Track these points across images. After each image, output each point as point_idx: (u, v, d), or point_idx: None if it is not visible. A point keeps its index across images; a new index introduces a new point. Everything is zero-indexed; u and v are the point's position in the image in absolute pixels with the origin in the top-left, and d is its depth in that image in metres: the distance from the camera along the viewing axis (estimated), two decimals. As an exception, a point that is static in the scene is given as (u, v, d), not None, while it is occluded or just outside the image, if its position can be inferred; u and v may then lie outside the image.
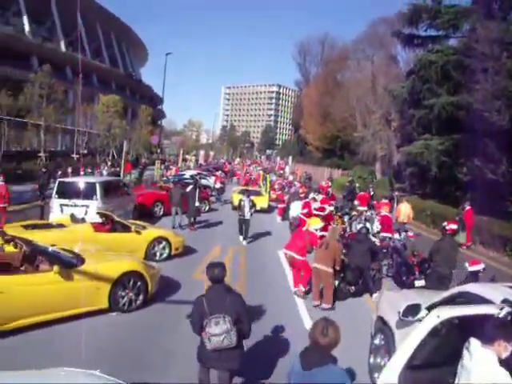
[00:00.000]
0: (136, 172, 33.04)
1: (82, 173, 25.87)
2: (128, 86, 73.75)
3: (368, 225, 12.09)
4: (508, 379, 3.48)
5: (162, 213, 18.42)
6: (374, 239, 11.65)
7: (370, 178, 39.33)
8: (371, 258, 9.98)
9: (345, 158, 55.77)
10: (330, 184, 29.61)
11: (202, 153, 67.70)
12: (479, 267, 7.93)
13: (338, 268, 9.14)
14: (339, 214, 16.88)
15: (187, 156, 59.84)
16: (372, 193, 24.99)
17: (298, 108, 77.82)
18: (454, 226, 10.11)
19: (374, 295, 9.52)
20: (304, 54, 76.81)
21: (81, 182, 14.58)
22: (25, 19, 52.69)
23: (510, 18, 23.43)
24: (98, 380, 3.48)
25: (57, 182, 14.47)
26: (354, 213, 16.87)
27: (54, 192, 13.96)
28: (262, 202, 21.60)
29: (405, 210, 17.38)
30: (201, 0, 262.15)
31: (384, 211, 14.08)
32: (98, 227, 11.11)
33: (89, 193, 13.66)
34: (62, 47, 57.74)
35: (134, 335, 7.04)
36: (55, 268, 6.85)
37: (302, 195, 18.96)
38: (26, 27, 52.88)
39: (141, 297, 8.03)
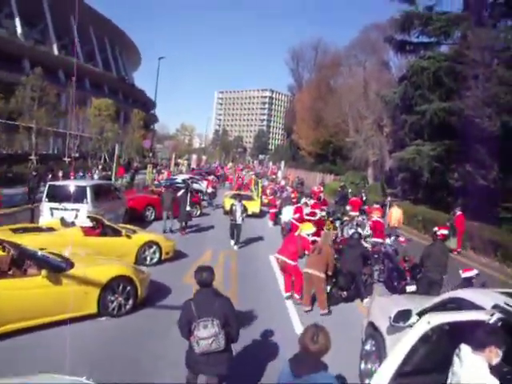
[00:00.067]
0: (128, 176, 32.89)
1: (72, 177, 25.65)
2: (121, 89, 73.55)
3: (360, 230, 12.10)
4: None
5: (153, 217, 18.32)
6: (365, 244, 11.65)
7: (362, 184, 39.42)
8: (363, 263, 9.98)
9: (337, 163, 55.97)
10: (321, 189, 29.60)
11: (194, 157, 67.55)
12: (472, 273, 7.96)
13: (330, 273, 9.09)
14: (331, 219, 16.88)
15: (179, 160, 59.69)
16: (364, 198, 25.06)
17: (291, 113, 77.98)
18: (445, 232, 10.14)
19: (365, 300, 9.51)
20: (297, 60, 77.16)
21: (71, 185, 14.47)
22: (17, 21, 52.37)
23: (500, 26, 23.68)
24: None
25: (47, 186, 14.36)
26: (345, 218, 16.86)
27: (45, 195, 13.85)
28: (253, 206, 21.58)
29: (396, 214, 17.44)
30: (194, 4, 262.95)
31: (375, 216, 14.08)
32: (88, 231, 11.00)
33: (79, 196, 13.57)
34: (55, 50, 57.50)
35: (123, 340, 6.96)
36: (43, 272, 6.76)
37: (293, 200, 18.97)
38: (19, 29, 52.57)
39: (130, 301, 7.96)
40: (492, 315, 3.91)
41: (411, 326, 4.56)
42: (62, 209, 13.32)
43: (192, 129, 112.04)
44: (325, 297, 8.88)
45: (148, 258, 11.50)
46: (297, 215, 15.30)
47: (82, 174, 28.15)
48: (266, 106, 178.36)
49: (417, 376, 4.51)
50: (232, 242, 14.85)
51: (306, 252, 9.74)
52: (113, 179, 27.03)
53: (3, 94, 35.58)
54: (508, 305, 4.03)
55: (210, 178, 33.53)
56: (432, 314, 4.32)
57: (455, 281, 8.22)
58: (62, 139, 47.11)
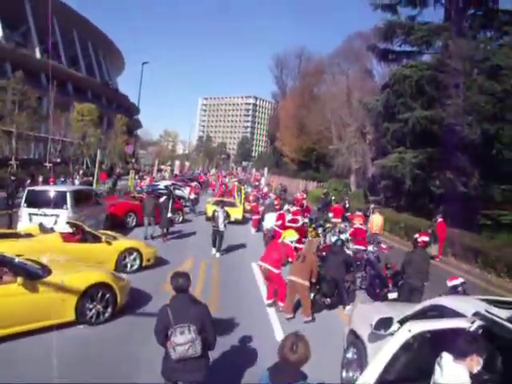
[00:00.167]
0: (110, 181, 32.57)
1: (52, 182, 25.26)
2: (104, 94, 73.01)
3: (342, 236, 12.10)
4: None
5: (134, 223, 18.10)
6: (348, 251, 11.65)
7: (345, 191, 39.64)
8: (345, 269, 9.97)
9: (320, 170, 56.22)
10: (304, 196, 29.67)
11: (177, 163, 67.24)
12: (458, 282, 8.00)
13: (314, 281, 9.06)
14: (313, 225, 16.91)
15: (162, 166, 59.41)
16: (347, 205, 25.15)
17: (275, 120, 78.25)
18: (426, 238, 10.21)
19: (347, 307, 9.49)
20: (281, 67, 77.57)
21: (51, 190, 14.25)
22: (-2, 24, 51.78)
23: (480, 37, 24.16)
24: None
25: (26, 191, 14.12)
26: (328, 225, 16.89)
27: (23, 201, 13.60)
28: (236, 213, 21.50)
29: (377, 221, 17.53)
30: (180, 11, 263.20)
31: (357, 223, 14.13)
32: (67, 237, 10.80)
33: (59, 202, 13.36)
34: (37, 53, 56.86)
35: (101, 348, 6.80)
36: (19, 279, 6.58)
37: (276, 207, 18.94)
38: (0, 32, 51.90)
39: (109, 309, 7.81)
40: (473, 323, 3.90)
41: (392, 334, 4.53)
42: (41, 214, 13.07)
43: (175, 135, 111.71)
44: (309, 304, 8.83)
45: (128, 265, 11.32)
46: (279, 222, 15.26)
47: (63, 180, 27.75)
48: (250, 112, 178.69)
49: (398, 384, 4.48)
50: (213, 250, 14.61)
51: (290, 259, 9.69)
52: (94, 185, 26.73)
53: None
54: (489, 312, 4.01)
55: (193, 184, 33.36)
56: (413, 322, 4.29)
57: (438, 288, 8.23)
58: (43, 144, 46.46)
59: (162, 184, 29.17)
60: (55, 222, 12.58)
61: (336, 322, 8.92)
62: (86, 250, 10.44)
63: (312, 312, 8.91)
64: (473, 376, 3.53)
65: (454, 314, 4.32)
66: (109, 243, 10.98)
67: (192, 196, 25.96)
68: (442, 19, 26.45)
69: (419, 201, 25.26)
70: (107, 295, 7.75)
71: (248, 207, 24.17)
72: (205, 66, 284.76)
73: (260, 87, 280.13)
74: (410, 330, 4.13)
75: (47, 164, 37.58)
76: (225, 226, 14.52)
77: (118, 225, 16.63)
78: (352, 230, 14.09)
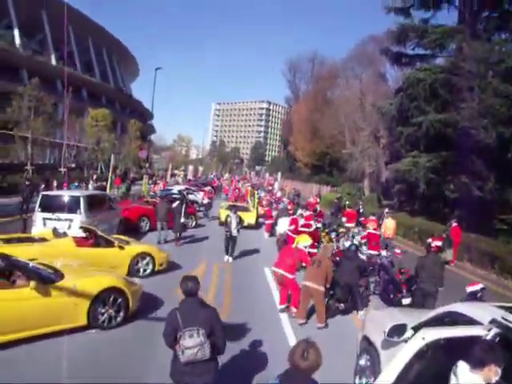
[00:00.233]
0: (123, 186, 32.76)
1: (65, 187, 25.43)
2: (118, 100, 73.59)
3: (356, 241, 11.99)
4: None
5: (147, 228, 18.15)
6: (361, 256, 11.56)
7: (359, 195, 39.40)
8: (359, 274, 9.87)
9: (333, 174, 55.99)
10: (317, 200, 29.54)
11: (190, 168, 67.50)
12: (477, 287, 7.85)
13: (328, 286, 9.00)
14: (326, 230, 16.81)
15: (176, 171, 59.62)
16: (362, 210, 24.98)
17: (288, 124, 78.15)
18: (439, 243, 10.08)
19: (361, 313, 9.40)
20: (294, 71, 77.53)
21: (65, 195, 14.34)
22: (16, 32, 52.55)
23: (495, 39, 23.88)
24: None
25: (40, 196, 14.23)
26: (341, 230, 16.77)
27: (37, 205, 13.72)
28: (249, 217, 21.45)
29: (389, 225, 17.39)
30: (193, 16, 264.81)
31: (371, 228, 14.00)
32: (80, 242, 10.87)
33: (73, 206, 13.47)
34: (53, 60, 57.58)
35: (113, 353, 6.80)
36: (31, 284, 6.61)
37: (290, 211, 18.87)
38: (17, 40, 52.72)
39: (121, 314, 7.82)
40: (489, 330, 3.79)
41: (406, 341, 4.44)
42: (55, 219, 13.19)
43: (189, 140, 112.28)
44: (324, 310, 8.75)
45: (141, 270, 11.34)
46: (292, 227, 15.19)
47: (77, 184, 27.93)
48: (263, 117, 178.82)
49: (412, 393, 4.38)
50: (226, 257, 14.33)
51: (304, 264, 9.62)
52: (108, 189, 26.89)
53: (0, 103, 35.52)
54: (505, 319, 3.91)
55: (207, 189, 33.40)
56: (426, 330, 4.20)
57: (454, 294, 8.09)
58: (58, 149, 46.90)
59: (175, 189, 29.24)
60: (69, 227, 12.69)
61: (350, 327, 8.83)
62: (98, 255, 10.48)
63: (326, 317, 8.83)
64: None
65: (470, 321, 4.23)
66: (121, 248, 11.01)
67: (205, 201, 25.98)
68: (455, 22, 26.24)
69: (433, 205, 25.00)
70: (119, 300, 7.76)
71: (261, 212, 24.13)
72: (218, 71, 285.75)
73: (273, 91, 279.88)
74: (423, 338, 4.04)
75: (62, 169, 37.96)
76: (238, 231, 14.39)
77: (131, 229, 16.67)
78: (364, 233, 13.96)
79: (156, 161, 74.15)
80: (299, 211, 18.01)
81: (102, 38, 67.18)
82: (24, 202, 17.88)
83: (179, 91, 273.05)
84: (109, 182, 28.42)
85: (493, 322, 3.96)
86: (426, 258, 9.38)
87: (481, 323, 4.07)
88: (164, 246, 14.89)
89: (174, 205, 16.83)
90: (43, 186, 24.66)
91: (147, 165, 44.26)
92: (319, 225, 17.24)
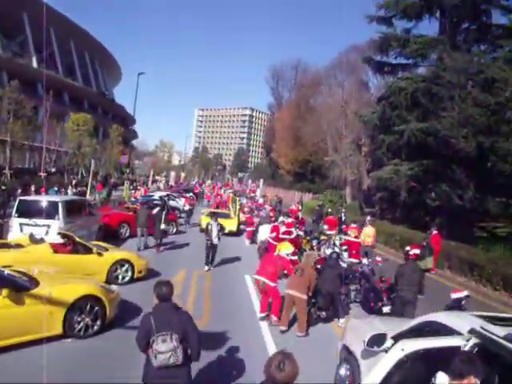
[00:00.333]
0: (104, 192, 32.42)
1: (43, 192, 24.99)
2: (100, 105, 72.94)
3: (337, 249, 11.99)
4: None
5: (128, 234, 17.95)
6: (342, 264, 11.55)
7: (340, 202, 39.57)
8: (340, 282, 9.85)
9: (315, 181, 56.22)
10: (299, 208, 29.56)
11: (172, 174, 67.20)
12: (462, 295, 7.88)
13: (311, 294, 8.95)
14: (308, 238, 16.80)
15: (158, 177, 59.28)
16: (344, 217, 25.01)
17: (271, 131, 78.28)
18: (417, 251, 10.10)
19: (341, 320, 9.36)
20: (277, 79, 77.72)
21: (43, 200, 14.10)
22: (-5, 34, 51.86)
23: (474, 50, 24.35)
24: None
25: (17, 201, 13.98)
26: (322, 237, 16.78)
27: (14, 210, 13.46)
28: (231, 224, 21.37)
29: (368, 232, 17.46)
30: (176, 22, 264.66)
31: (352, 235, 14.02)
32: (57, 248, 10.66)
33: (51, 212, 13.25)
34: (34, 63, 56.85)
35: (89, 363, 6.63)
36: (4, 292, 6.42)
37: (272, 219, 18.83)
38: (-3, 42, 52.01)
39: (98, 322, 7.66)
40: (468, 340, 3.77)
41: (386, 351, 4.40)
42: (32, 224, 12.95)
43: (171, 146, 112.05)
44: (305, 318, 8.68)
45: (120, 277, 11.17)
46: (273, 234, 15.13)
47: (56, 189, 27.51)
48: (246, 124, 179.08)
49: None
50: (206, 267, 13.91)
51: (285, 272, 9.55)
52: (88, 195, 26.56)
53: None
54: (484, 329, 3.90)
55: (188, 195, 33.22)
56: (405, 341, 4.17)
57: (435, 301, 8.12)
58: (38, 153, 46.27)
59: (156, 195, 29.02)
60: (47, 233, 12.49)
61: (330, 335, 8.79)
62: (76, 262, 10.30)
63: (307, 326, 8.77)
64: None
65: (449, 331, 4.20)
66: (100, 254, 10.83)
67: (187, 207, 25.78)
68: (436, 32, 26.68)
69: (415, 213, 25.20)
70: (96, 308, 7.61)
71: (243, 218, 24.04)
72: (201, 77, 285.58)
73: (256, 98, 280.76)
74: (402, 349, 4.00)
75: (42, 174, 37.45)
76: (219, 239, 14.14)
77: (111, 236, 16.47)
78: (343, 240, 13.97)
79: (138, 166, 73.79)
80: (281, 218, 17.98)
81: (84, 41, 66.56)
82: (0, 207, 17.56)
83: (162, 97, 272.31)
84: (89, 188, 28.06)
85: (472, 331, 3.94)
86: (405, 266, 9.40)
87: (460, 333, 4.05)
88: (144, 253, 14.71)
89: (155, 211, 16.68)
90: (20, 190, 24.25)
91: (128, 170, 43.84)
92: (301, 232, 17.22)
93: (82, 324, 7.43)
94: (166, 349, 4.14)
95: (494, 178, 20.16)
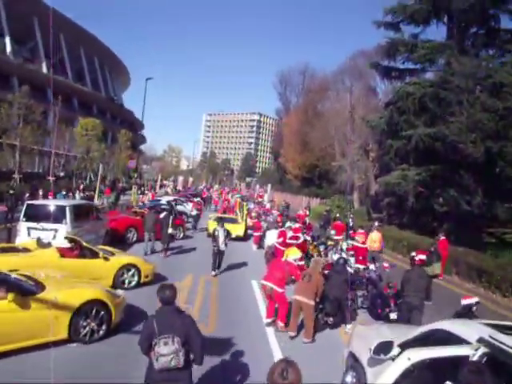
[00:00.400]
0: (112, 196, 32.54)
1: (51, 196, 25.09)
2: (109, 110, 73.37)
3: (344, 255, 11.91)
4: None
5: (135, 239, 17.96)
6: (349, 270, 11.48)
7: (348, 208, 39.44)
8: (347, 288, 9.78)
9: (323, 187, 56.09)
10: (307, 213, 29.47)
11: (180, 179, 67.33)
12: (472, 301, 7.75)
13: (318, 300, 8.91)
14: (315, 243, 16.73)
15: (165, 182, 59.42)
16: (352, 223, 24.88)
17: (278, 136, 78.36)
18: (423, 257, 9.99)
19: (348, 326, 9.29)
20: (285, 84, 77.75)
21: (50, 204, 14.15)
22: (7, 39, 52.30)
23: (482, 55, 24.23)
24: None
25: (25, 205, 14.04)
26: (329, 242, 16.71)
27: (22, 215, 13.53)
28: (238, 229, 21.34)
29: (375, 237, 17.33)
30: (184, 27, 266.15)
31: (359, 241, 13.94)
32: (64, 252, 10.67)
33: (58, 216, 13.28)
34: (44, 68, 57.36)
35: (94, 368, 6.62)
36: (10, 296, 6.42)
37: (279, 224, 18.78)
38: (8, 47, 52.46)
39: (104, 327, 7.64)
40: (476, 350, 3.70)
41: (393, 359, 4.33)
42: (39, 229, 12.99)
43: (179, 150, 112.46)
44: (312, 325, 8.63)
45: (126, 282, 11.15)
46: (280, 239, 15.08)
47: (64, 193, 27.63)
48: (254, 129, 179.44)
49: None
50: (213, 273, 13.76)
51: (293, 277, 9.50)
52: (96, 199, 26.65)
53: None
54: (493, 338, 3.83)
55: (196, 200, 33.25)
56: (412, 350, 4.10)
57: (444, 307, 8.02)
58: (47, 158, 46.61)
59: (164, 199, 29.06)
60: (54, 237, 12.51)
61: (337, 342, 8.71)
62: (83, 266, 10.31)
63: (314, 332, 8.71)
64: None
65: (457, 340, 4.13)
66: (106, 259, 10.84)
67: (194, 212, 25.79)
68: (444, 37, 26.58)
69: (422, 218, 25.03)
70: (102, 312, 7.59)
71: (250, 223, 24.01)
72: (209, 82, 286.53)
73: (264, 103, 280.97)
74: (409, 359, 3.94)
75: (50, 178, 37.68)
76: (226, 245, 14.00)
77: (118, 240, 16.49)
78: (350, 245, 13.89)
79: (146, 171, 74.00)
80: (288, 223, 17.92)
81: (93, 47, 67.11)
82: (9, 211, 17.65)
83: (170, 101, 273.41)
84: (97, 192, 28.16)
85: (480, 340, 3.87)
86: (411, 272, 9.31)
87: (468, 342, 3.98)
88: (151, 257, 14.72)
89: (162, 216, 16.68)
90: (28, 195, 24.37)
91: (136, 175, 43.99)
92: (308, 237, 17.15)
93: (87, 329, 7.41)
94: (167, 351, 4.18)
95: (503, 183, 20.02)
